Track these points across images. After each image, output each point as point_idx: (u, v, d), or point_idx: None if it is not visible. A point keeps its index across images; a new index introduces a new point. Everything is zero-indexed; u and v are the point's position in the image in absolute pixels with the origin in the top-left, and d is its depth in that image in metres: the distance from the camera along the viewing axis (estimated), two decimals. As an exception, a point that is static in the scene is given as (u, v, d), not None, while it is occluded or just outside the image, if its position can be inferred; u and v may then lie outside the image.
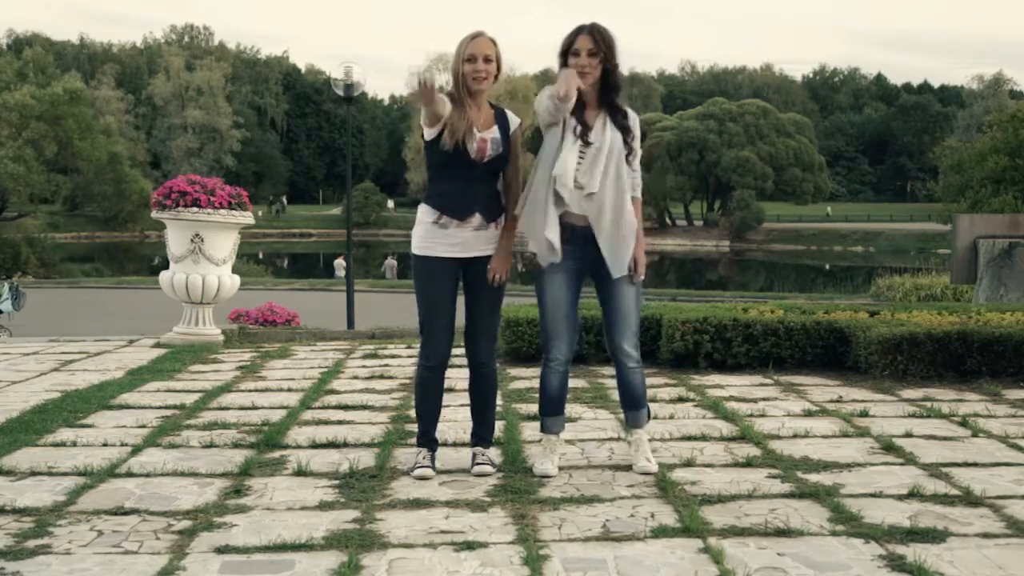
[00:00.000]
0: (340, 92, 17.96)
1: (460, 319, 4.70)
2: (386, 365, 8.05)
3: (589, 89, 4.43)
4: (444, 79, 4.76)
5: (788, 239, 70.20)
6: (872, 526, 3.78)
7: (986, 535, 3.70)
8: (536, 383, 6.79)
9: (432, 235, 4.55)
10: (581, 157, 4.43)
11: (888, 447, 5.06)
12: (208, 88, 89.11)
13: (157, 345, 9.59)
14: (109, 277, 34.31)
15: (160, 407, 6.31)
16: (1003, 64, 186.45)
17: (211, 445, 5.22)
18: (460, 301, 4.67)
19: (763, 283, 41.32)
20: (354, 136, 79.22)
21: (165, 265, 10.13)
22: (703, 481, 4.44)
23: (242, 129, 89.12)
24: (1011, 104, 54.94)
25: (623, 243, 4.46)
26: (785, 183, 72.10)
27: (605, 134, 4.45)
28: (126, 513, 4.03)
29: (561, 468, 4.62)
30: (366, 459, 4.87)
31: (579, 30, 4.47)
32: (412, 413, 5.07)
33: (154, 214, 9.97)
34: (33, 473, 4.67)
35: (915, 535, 3.68)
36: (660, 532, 3.73)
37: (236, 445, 5.22)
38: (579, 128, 4.43)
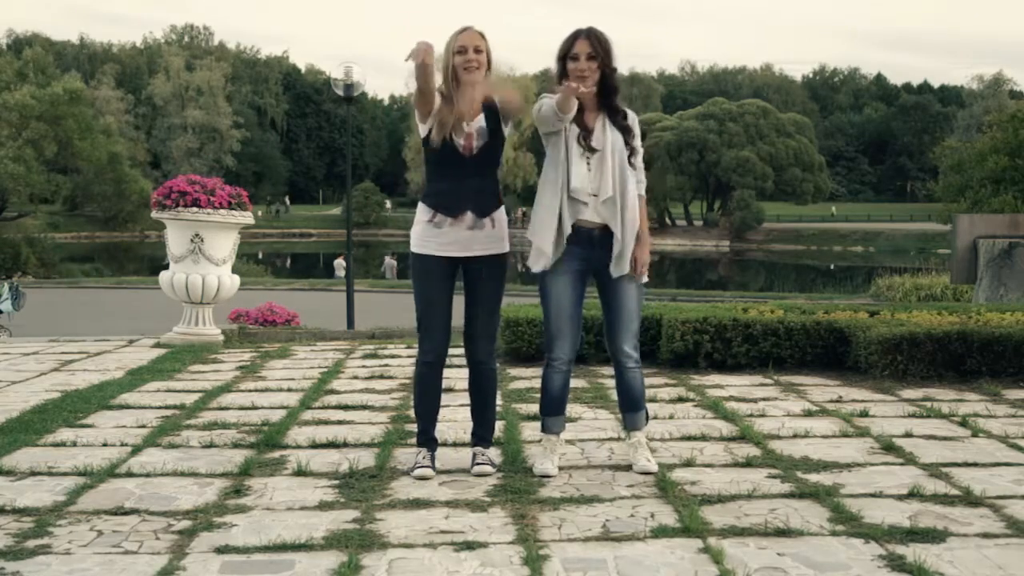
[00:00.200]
0: (340, 92, 17.96)
1: (460, 319, 4.70)
2: (386, 365, 8.05)
3: (588, 93, 4.43)
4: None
5: (788, 239, 70.21)
6: (872, 526, 3.78)
7: (986, 535, 3.70)
8: (536, 383, 6.79)
9: (428, 234, 4.56)
10: (588, 165, 4.45)
11: (888, 447, 5.06)
12: (208, 88, 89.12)
13: (157, 345, 9.60)
14: (109, 277, 34.31)
15: (160, 407, 6.31)
16: (1003, 64, 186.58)
17: (211, 445, 5.22)
18: (461, 300, 4.68)
19: (763, 283, 41.32)
20: (354, 136, 79.27)
21: (165, 265, 10.13)
22: (703, 481, 4.44)
23: (242, 129, 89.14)
24: (1011, 104, 54.94)
25: (628, 243, 4.48)
26: (785, 183, 72.12)
27: (606, 136, 4.47)
28: (126, 513, 4.03)
29: (561, 468, 4.62)
30: (366, 459, 4.87)
31: (576, 35, 4.47)
32: (412, 413, 5.07)
33: (154, 214, 9.97)
34: (33, 473, 4.67)
35: (915, 535, 3.68)
36: (660, 532, 3.73)
37: (236, 445, 5.22)
38: (581, 135, 4.45)
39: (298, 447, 5.17)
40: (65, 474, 4.64)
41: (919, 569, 3.30)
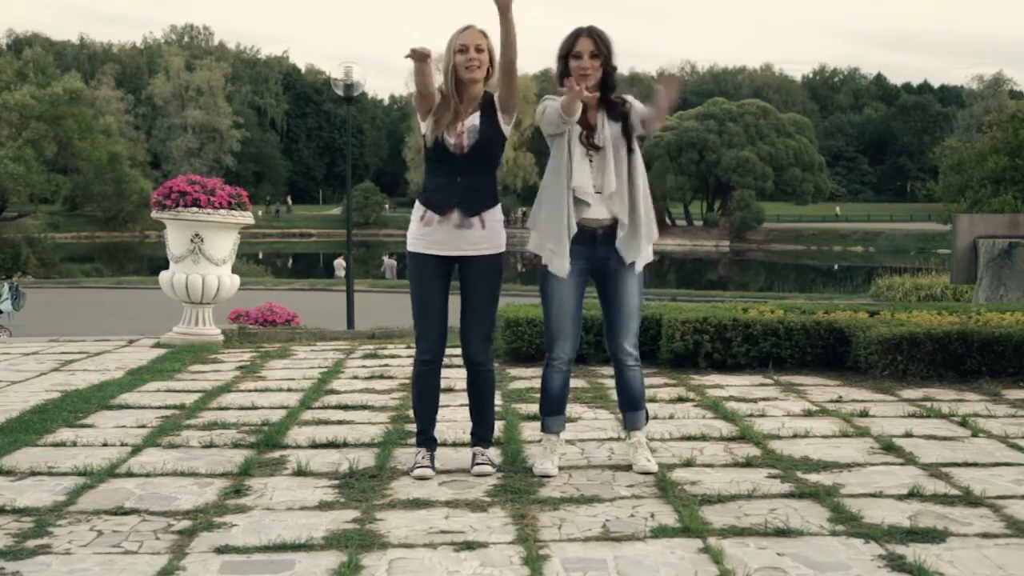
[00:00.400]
0: (340, 92, 17.96)
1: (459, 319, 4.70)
2: (386, 365, 8.05)
3: (592, 97, 4.42)
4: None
5: (788, 239, 70.21)
6: (872, 526, 3.78)
7: (986, 535, 3.69)
8: (536, 383, 6.78)
9: (420, 232, 4.58)
10: (591, 162, 4.45)
11: (888, 447, 5.06)
12: (208, 88, 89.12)
13: (157, 345, 9.60)
14: (109, 277, 34.29)
15: (160, 407, 6.31)
16: (1003, 64, 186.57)
17: (211, 445, 5.22)
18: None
19: (763, 283, 41.30)
20: (354, 136, 79.29)
21: (165, 265, 10.13)
22: (703, 481, 4.44)
23: (242, 129, 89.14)
24: (1011, 104, 54.93)
25: (638, 229, 4.47)
26: (785, 183, 72.11)
27: (608, 133, 4.47)
28: (126, 513, 4.03)
29: (561, 468, 4.62)
30: (366, 459, 4.87)
31: (578, 33, 4.47)
32: (412, 413, 5.07)
33: (154, 214, 9.97)
34: (33, 473, 4.67)
35: (915, 535, 3.68)
36: (660, 532, 3.73)
37: (236, 445, 5.22)
38: (584, 133, 4.45)
39: (298, 447, 5.17)
40: (65, 474, 4.64)
41: (919, 569, 3.30)
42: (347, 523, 3.88)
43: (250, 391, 6.90)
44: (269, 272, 39.77)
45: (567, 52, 4.45)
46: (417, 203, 4.64)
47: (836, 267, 49.49)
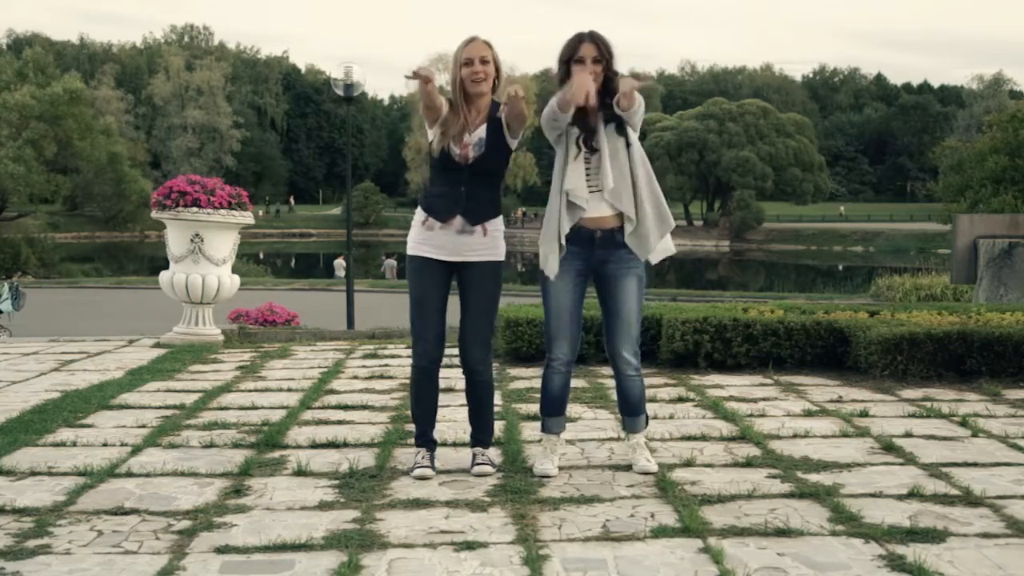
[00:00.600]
0: (340, 92, 17.94)
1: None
2: (386, 365, 8.05)
3: (592, 105, 4.42)
4: (444, 79, 4.78)
5: (788, 239, 70.23)
6: (872, 526, 3.78)
7: (986, 535, 3.69)
8: (536, 383, 6.79)
9: (421, 236, 4.59)
10: (588, 163, 4.45)
11: (888, 447, 5.06)
12: (208, 88, 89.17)
13: (157, 345, 9.60)
14: (109, 277, 34.27)
15: (160, 407, 6.31)
16: (1003, 64, 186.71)
17: (211, 445, 5.22)
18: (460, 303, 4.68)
19: (763, 283, 41.29)
20: (354, 136, 79.35)
21: (165, 265, 10.13)
22: (703, 481, 4.44)
23: (242, 129, 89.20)
24: (1011, 104, 54.95)
25: (643, 222, 4.46)
26: (785, 183, 72.16)
27: (608, 136, 4.47)
28: (126, 513, 4.03)
29: (561, 468, 4.62)
30: (366, 459, 4.87)
31: (580, 38, 4.47)
32: (411, 414, 5.06)
33: (154, 214, 9.97)
34: (33, 473, 4.67)
35: (915, 535, 3.68)
36: (660, 532, 3.72)
37: (236, 445, 5.22)
38: (582, 136, 4.46)
39: (298, 447, 5.17)
40: (65, 474, 4.64)
41: (919, 569, 3.30)
42: (347, 523, 3.88)
43: (250, 391, 6.90)
44: (269, 272, 39.75)
45: (569, 56, 4.45)
46: (419, 208, 4.66)
47: (841, 267, 49.42)
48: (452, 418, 5.58)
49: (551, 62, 4.53)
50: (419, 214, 4.63)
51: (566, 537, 3.69)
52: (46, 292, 24.06)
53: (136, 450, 5.11)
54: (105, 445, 5.24)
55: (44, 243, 42.07)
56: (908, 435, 5.34)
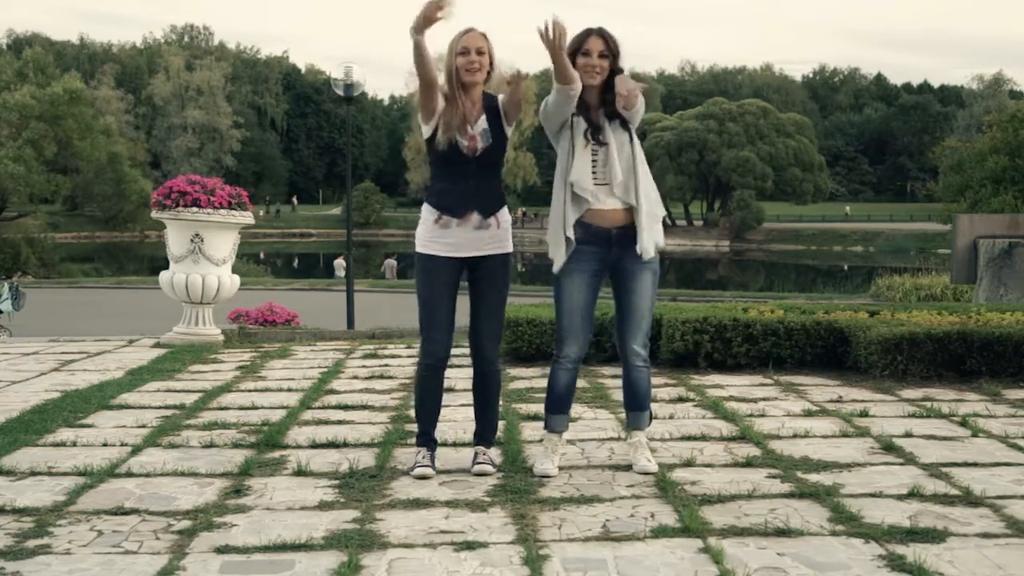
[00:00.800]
0: (340, 92, 17.94)
1: (463, 321, 4.69)
2: (386, 365, 8.05)
3: (595, 90, 4.45)
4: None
5: (788, 239, 70.22)
6: (872, 526, 3.78)
7: (986, 535, 3.69)
8: (536, 383, 6.79)
9: (434, 234, 4.56)
10: (595, 156, 4.46)
11: (888, 447, 5.06)
12: (208, 88, 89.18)
13: (157, 345, 9.60)
14: (109, 277, 34.27)
15: (160, 407, 6.31)
16: (1003, 64, 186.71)
17: (211, 445, 5.22)
18: (465, 303, 4.67)
19: (763, 283, 41.30)
20: (354, 136, 79.34)
21: (165, 265, 10.13)
22: (703, 481, 4.44)
23: (242, 129, 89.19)
24: (1011, 104, 54.96)
25: (643, 222, 4.48)
26: (785, 183, 72.14)
27: (611, 129, 4.48)
28: (126, 513, 4.03)
29: (561, 468, 4.62)
30: (366, 459, 4.87)
31: (589, 32, 4.50)
32: (412, 413, 5.06)
33: (154, 214, 9.97)
34: (33, 473, 4.67)
35: (915, 535, 3.68)
36: (660, 532, 3.72)
37: (236, 445, 5.22)
38: (589, 130, 4.47)
39: (298, 447, 5.17)
40: (65, 474, 4.64)
41: (919, 569, 3.30)
42: (347, 523, 3.88)
43: (250, 391, 6.90)
44: (269, 272, 39.76)
45: (576, 49, 4.47)
46: (428, 206, 4.59)
47: (847, 267, 49.41)
48: (452, 418, 5.57)
49: (550, 61, 4.51)
50: (429, 212, 4.57)
51: (566, 537, 3.69)
52: (46, 292, 24.06)
53: (136, 450, 5.11)
54: (105, 445, 5.24)
55: (44, 243, 42.03)
56: (908, 435, 5.34)
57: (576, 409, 5.97)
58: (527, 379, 7.20)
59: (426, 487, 4.38)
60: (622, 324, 4.63)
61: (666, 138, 71.40)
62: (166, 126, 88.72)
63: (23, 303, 16.68)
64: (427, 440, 4.67)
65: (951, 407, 6.08)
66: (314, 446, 5.17)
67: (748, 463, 4.74)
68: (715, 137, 71.00)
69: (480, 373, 4.71)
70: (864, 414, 5.87)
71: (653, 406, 5.44)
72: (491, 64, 4.54)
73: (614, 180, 4.46)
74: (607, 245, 4.50)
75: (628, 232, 4.50)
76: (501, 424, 5.41)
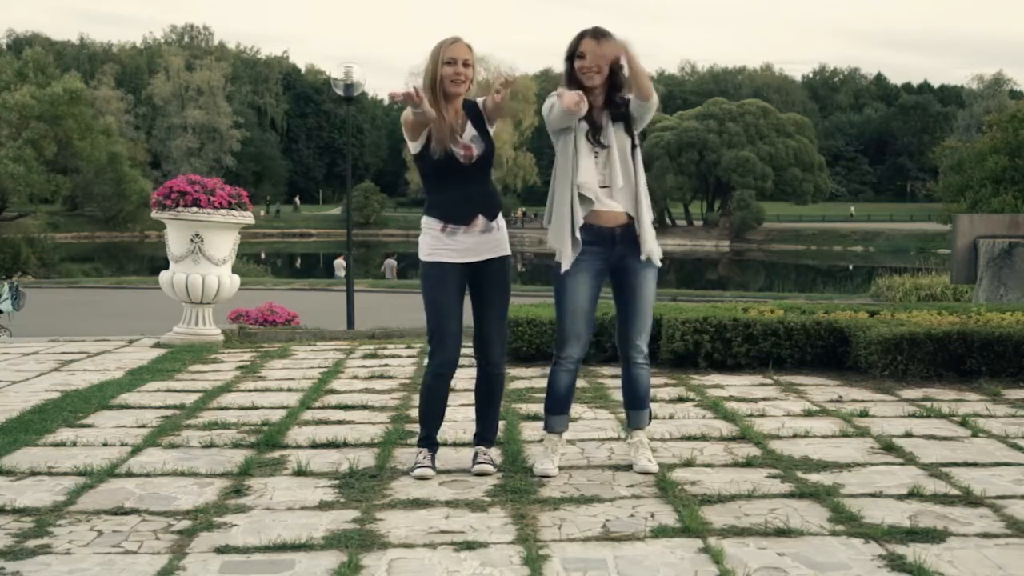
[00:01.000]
0: (340, 92, 17.94)
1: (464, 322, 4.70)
2: (386, 365, 8.05)
3: (597, 91, 4.45)
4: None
5: (788, 239, 70.20)
6: (872, 526, 3.78)
7: (986, 535, 3.69)
8: (536, 383, 6.79)
9: (440, 243, 4.56)
10: (596, 159, 4.47)
11: (888, 447, 5.06)
12: (208, 88, 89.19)
13: (157, 345, 9.60)
14: (109, 277, 34.26)
15: (160, 407, 6.31)
16: (1003, 64, 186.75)
17: (211, 445, 5.22)
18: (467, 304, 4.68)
19: (763, 283, 41.29)
20: (354, 136, 79.39)
21: (165, 265, 10.13)
22: (703, 481, 4.44)
23: (242, 129, 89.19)
24: (1011, 104, 54.96)
25: (644, 223, 4.51)
26: (785, 183, 72.13)
27: (613, 131, 4.49)
28: (126, 513, 4.03)
29: (561, 468, 4.62)
30: (366, 459, 4.87)
31: (583, 34, 4.50)
32: (412, 413, 5.07)
33: (154, 214, 9.97)
34: (33, 473, 4.67)
35: (915, 535, 3.68)
36: (660, 532, 3.73)
37: (236, 445, 5.22)
38: (591, 131, 4.47)
39: (298, 447, 5.17)
40: (65, 474, 4.64)
41: (919, 569, 3.30)
42: (347, 523, 3.88)
43: (250, 391, 6.90)
44: (269, 272, 39.75)
45: (572, 53, 4.47)
46: (430, 218, 4.59)
47: (851, 267, 49.40)
48: (452, 418, 5.57)
49: (551, 62, 4.52)
50: (433, 223, 4.57)
51: (566, 537, 3.69)
52: (46, 292, 24.05)
53: (136, 450, 5.11)
54: (105, 445, 5.24)
55: (44, 243, 42.02)
56: (908, 435, 5.34)
57: (576, 409, 5.97)
58: (527, 379, 7.20)
59: (426, 487, 4.38)
60: (623, 322, 4.64)
61: (666, 138, 71.38)
62: (166, 126, 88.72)
63: (23, 303, 16.67)
64: (430, 442, 4.67)
65: (951, 407, 6.08)
66: (314, 446, 5.17)
67: (748, 463, 4.74)
68: (715, 137, 70.99)
69: (485, 375, 4.72)
70: (864, 414, 5.87)
71: (653, 406, 5.45)
72: (472, 78, 4.58)
73: (614, 185, 4.46)
74: (611, 245, 4.51)
75: (630, 231, 4.51)
76: (501, 424, 5.41)
